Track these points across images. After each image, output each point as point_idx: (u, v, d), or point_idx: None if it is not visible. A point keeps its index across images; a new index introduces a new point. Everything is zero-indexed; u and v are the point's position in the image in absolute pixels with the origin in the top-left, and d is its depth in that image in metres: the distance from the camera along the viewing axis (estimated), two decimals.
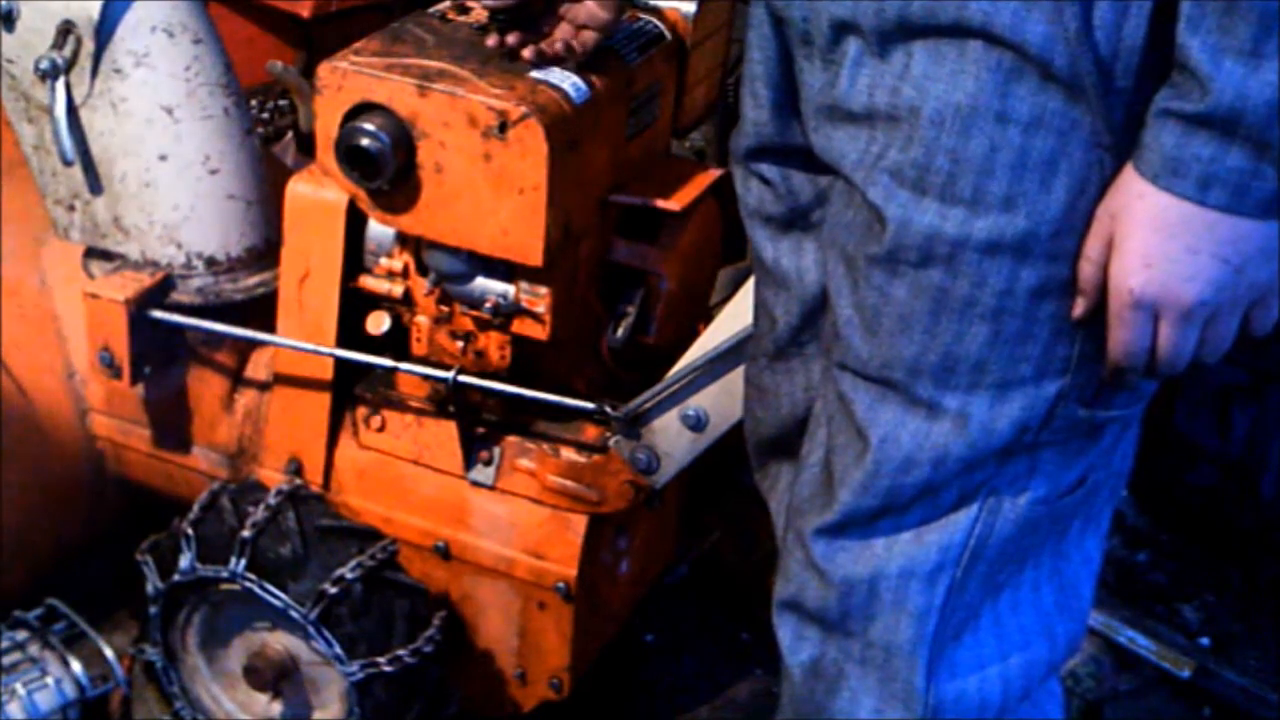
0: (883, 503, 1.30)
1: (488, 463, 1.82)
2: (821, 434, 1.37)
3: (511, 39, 1.60)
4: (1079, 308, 1.20)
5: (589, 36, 1.59)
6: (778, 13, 1.32)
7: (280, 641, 1.85)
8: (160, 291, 1.88)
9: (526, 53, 1.59)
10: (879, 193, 1.22)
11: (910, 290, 1.23)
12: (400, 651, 1.76)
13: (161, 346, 1.91)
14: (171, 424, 1.99)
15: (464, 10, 1.75)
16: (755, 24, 1.37)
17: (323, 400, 1.87)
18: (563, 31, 1.60)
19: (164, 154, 1.88)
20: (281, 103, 2.28)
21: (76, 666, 1.93)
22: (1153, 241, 1.12)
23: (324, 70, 1.64)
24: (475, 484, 1.83)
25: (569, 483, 1.78)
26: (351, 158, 1.63)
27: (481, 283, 1.72)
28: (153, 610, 1.86)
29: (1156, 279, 1.13)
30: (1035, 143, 1.15)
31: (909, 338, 1.24)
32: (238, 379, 1.98)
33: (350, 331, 1.82)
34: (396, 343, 1.82)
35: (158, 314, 1.87)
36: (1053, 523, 1.35)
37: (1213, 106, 1.05)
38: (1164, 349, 1.16)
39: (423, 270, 1.76)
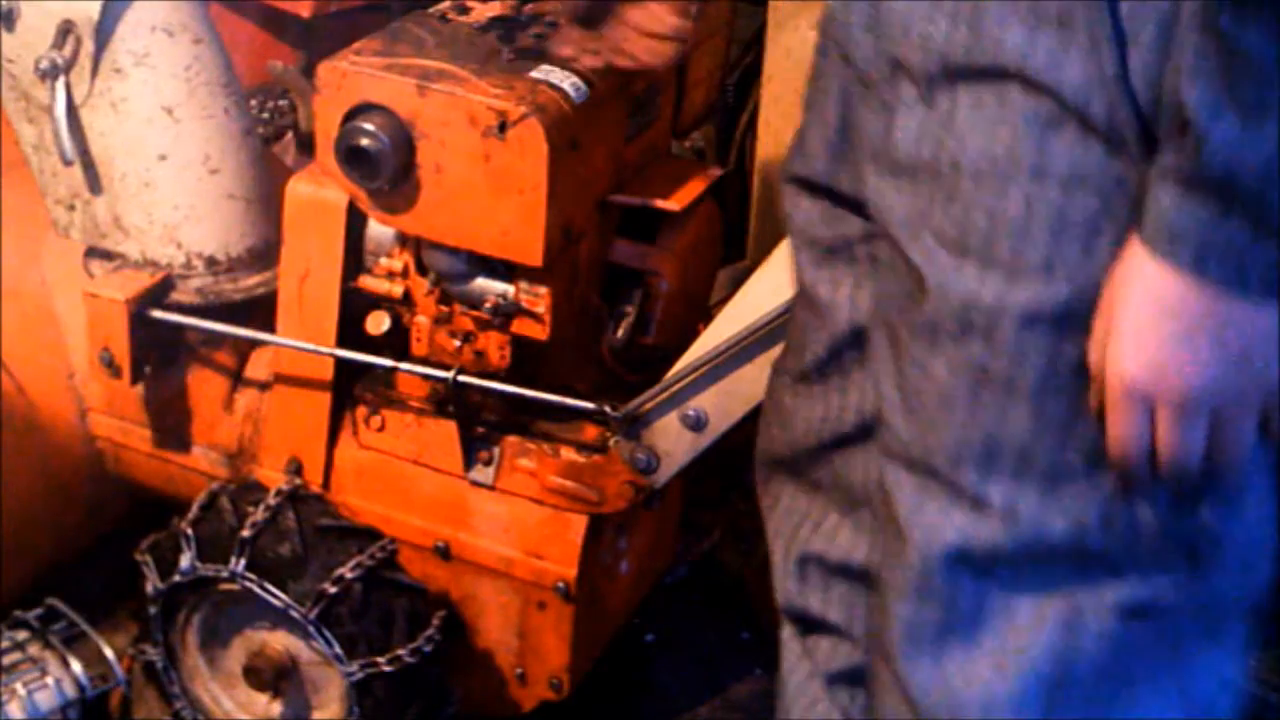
0: (941, 614, 1.16)
1: (488, 463, 1.82)
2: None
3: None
4: (1094, 396, 1.06)
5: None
6: (843, 47, 1.21)
7: (280, 641, 1.85)
8: (160, 291, 1.88)
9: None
10: (920, 252, 1.11)
11: (949, 366, 1.11)
12: (400, 651, 1.76)
13: (161, 346, 1.91)
14: (171, 424, 1.99)
15: (464, 10, 1.75)
16: (825, 51, 1.25)
17: (322, 400, 1.86)
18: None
19: (164, 154, 1.88)
20: (281, 103, 2.28)
21: (76, 666, 1.93)
22: (1146, 321, 0.99)
23: (324, 70, 1.64)
24: (475, 484, 1.83)
25: (569, 483, 1.78)
26: (351, 158, 1.63)
27: (481, 283, 1.72)
28: (153, 610, 1.86)
29: (1149, 365, 1.00)
30: (1076, 201, 1.03)
31: (949, 419, 1.12)
32: (238, 379, 1.98)
33: (350, 331, 1.82)
34: (396, 343, 1.82)
35: (158, 314, 1.87)
36: (1160, 637, 1.15)
37: (1206, 164, 0.93)
38: (1163, 447, 1.03)
39: (423, 270, 1.76)
